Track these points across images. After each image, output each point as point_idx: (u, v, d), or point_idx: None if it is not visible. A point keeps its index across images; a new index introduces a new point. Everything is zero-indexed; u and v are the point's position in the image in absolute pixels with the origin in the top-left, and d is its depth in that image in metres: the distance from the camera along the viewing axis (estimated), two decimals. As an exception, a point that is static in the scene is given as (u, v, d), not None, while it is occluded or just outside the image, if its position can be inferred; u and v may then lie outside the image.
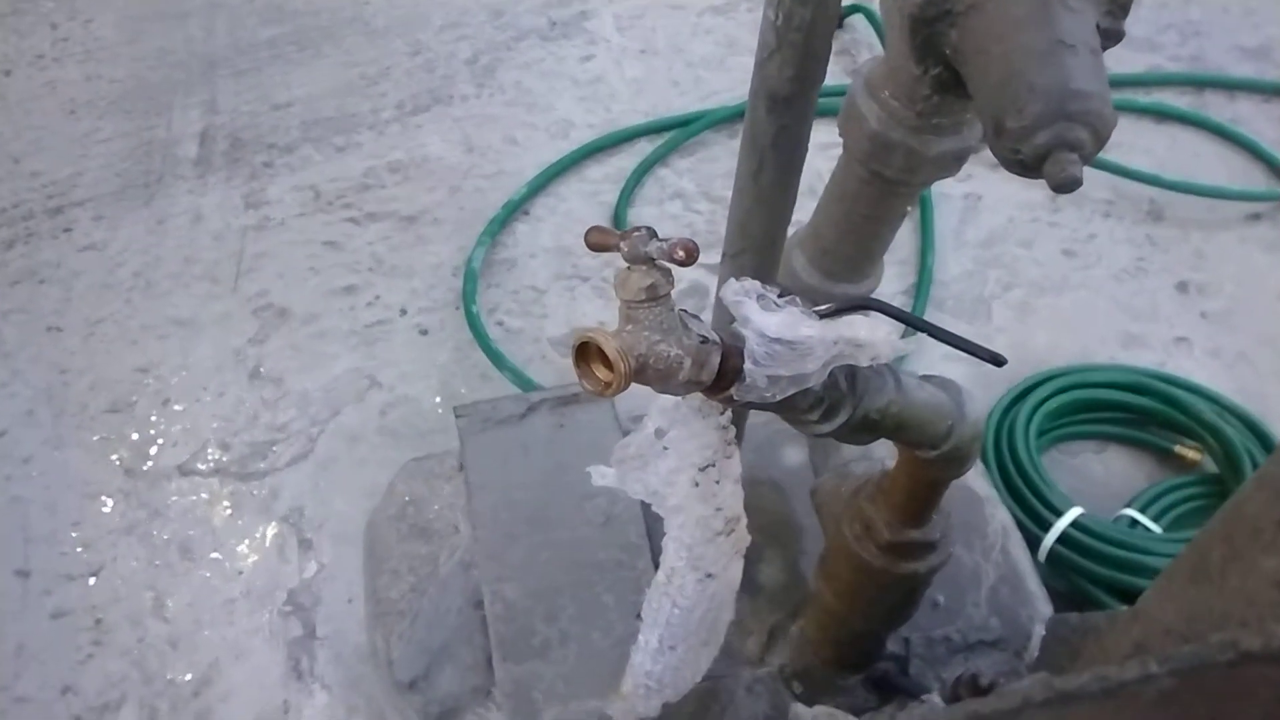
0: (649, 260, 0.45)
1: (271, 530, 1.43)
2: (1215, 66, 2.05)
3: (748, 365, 0.49)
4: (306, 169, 1.91)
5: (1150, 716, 0.34)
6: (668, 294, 0.46)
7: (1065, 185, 0.62)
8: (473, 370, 1.60)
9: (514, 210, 1.81)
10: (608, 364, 0.44)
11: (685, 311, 0.48)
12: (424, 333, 1.65)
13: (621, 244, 0.45)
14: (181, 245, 1.80)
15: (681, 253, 0.43)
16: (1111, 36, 0.70)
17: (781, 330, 0.50)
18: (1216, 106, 1.98)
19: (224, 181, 1.90)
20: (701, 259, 1.68)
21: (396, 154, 1.94)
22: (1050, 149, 0.63)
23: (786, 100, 0.73)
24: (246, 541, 1.42)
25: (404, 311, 1.68)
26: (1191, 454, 1.44)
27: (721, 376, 0.49)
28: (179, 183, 1.90)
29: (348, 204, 1.85)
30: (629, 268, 0.45)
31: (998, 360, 0.50)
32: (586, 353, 0.46)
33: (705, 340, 0.47)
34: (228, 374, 1.61)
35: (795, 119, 0.74)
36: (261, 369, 1.61)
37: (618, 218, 1.77)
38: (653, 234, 0.45)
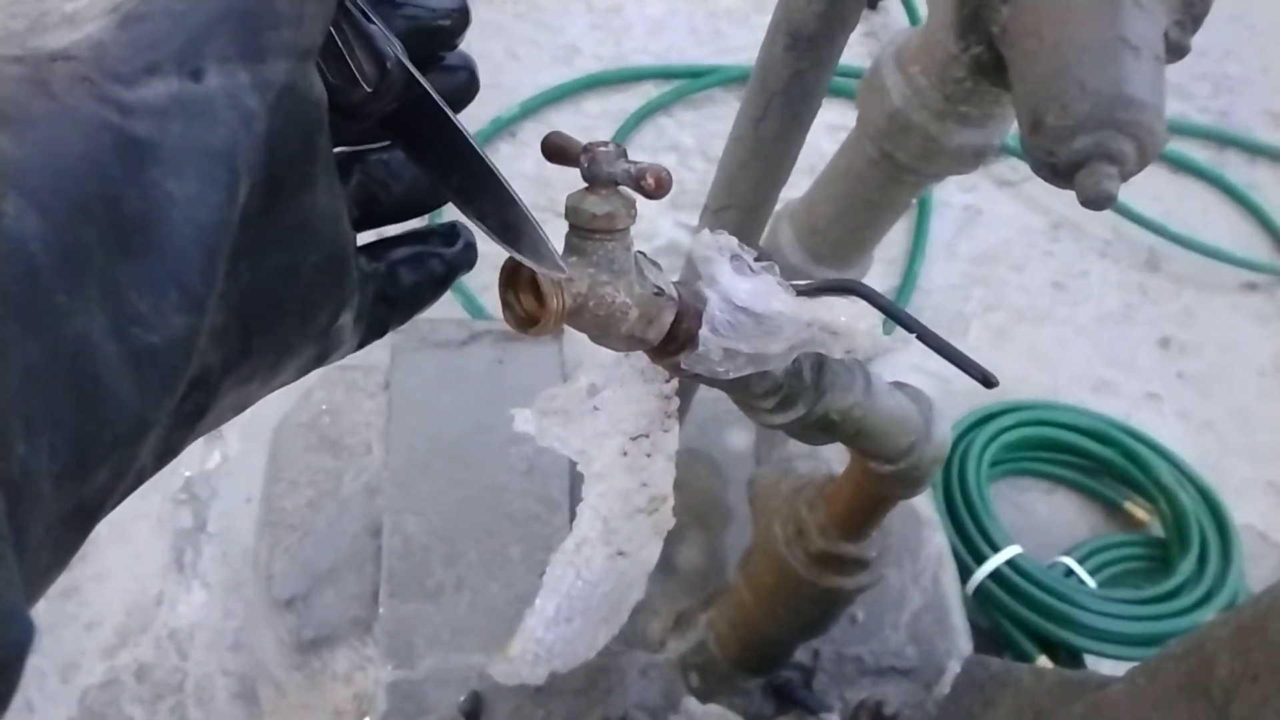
0: (611, 183, 0.37)
1: (180, 411, 1.35)
2: (1242, 126, 1.99)
3: (704, 332, 0.42)
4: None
5: None
6: (626, 228, 0.38)
7: (1096, 200, 0.55)
8: (425, 286, 1.51)
9: (501, 129, 1.71)
10: (539, 297, 0.37)
11: (644, 255, 0.41)
12: (382, 237, 1.56)
13: (582, 157, 0.37)
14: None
15: (651, 180, 0.36)
16: (1176, 50, 0.63)
17: (751, 299, 0.43)
18: (1235, 167, 1.92)
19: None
20: (681, 217, 1.56)
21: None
22: (1088, 157, 0.56)
23: (810, 40, 0.64)
24: (151, 418, 1.34)
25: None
26: (1141, 513, 1.40)
27: (671, 339, 0.41)
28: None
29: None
30: (585, 188, 0.38)
31: (989, 381, 0.43)
32: (516, 280, 0.38)
33: (660, 292, 0.40)
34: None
35: (814, 64, 0.66)
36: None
37: (607, 158, 1.68)
38: (622, 153, 0.37)
